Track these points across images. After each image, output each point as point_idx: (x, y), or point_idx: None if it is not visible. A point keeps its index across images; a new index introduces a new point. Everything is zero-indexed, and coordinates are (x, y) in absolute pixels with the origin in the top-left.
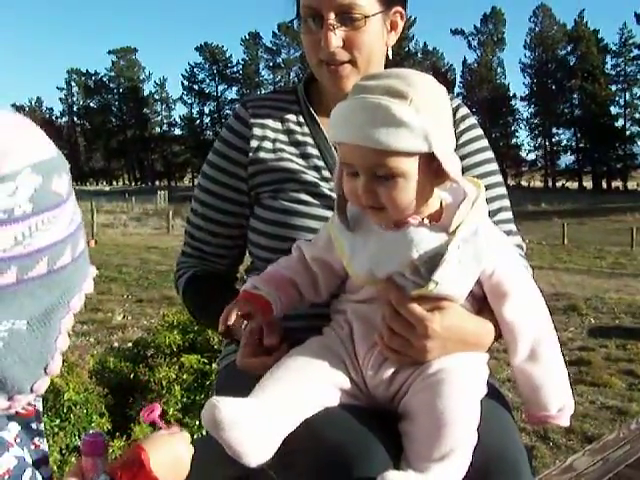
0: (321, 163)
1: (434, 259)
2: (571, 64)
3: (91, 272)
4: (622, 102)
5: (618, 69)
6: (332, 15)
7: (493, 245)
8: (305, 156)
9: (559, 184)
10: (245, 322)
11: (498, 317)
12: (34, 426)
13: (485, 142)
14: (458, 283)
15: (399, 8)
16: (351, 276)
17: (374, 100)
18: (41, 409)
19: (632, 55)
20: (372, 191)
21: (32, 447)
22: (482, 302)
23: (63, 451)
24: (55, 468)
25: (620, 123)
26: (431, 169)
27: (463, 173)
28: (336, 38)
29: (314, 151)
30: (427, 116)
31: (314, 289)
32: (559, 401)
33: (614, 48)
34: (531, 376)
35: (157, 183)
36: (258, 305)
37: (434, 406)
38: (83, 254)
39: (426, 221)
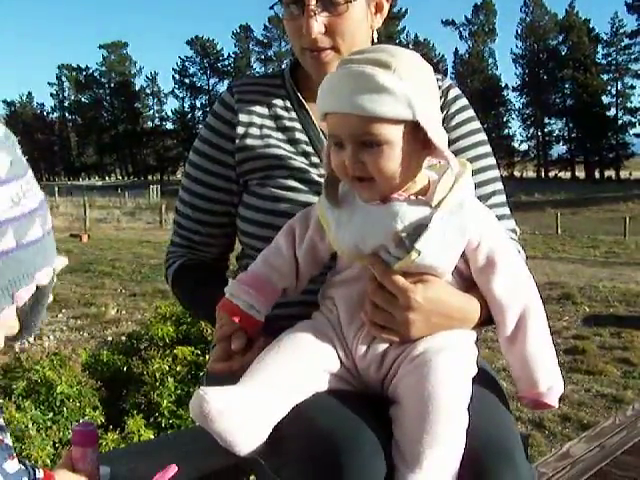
0: (310, 149)
1: (418, 230)
2: (562, 54)
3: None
4: (614, 91)
5: (609, 58)
6: (313, 0)
7: (479, 219)
8: (293, 142)
9: (552, 174)
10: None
11: (485, 292)
12: None
13: (477, 124)
14: (441, 255)
15: None
16: (337, 251)
17: (358, 68)
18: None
19: (623, 44)
20: (359, 160)
21: None
22: (470, 282)
23: (56, 444)
24: (48, 462)
25: (612, 112)
26: (417, 139)
27: (456, 155)
28: (317, 24)
29: (302, 137)
30: (411, 84)
31: (295, 280)
32: (548, 378)
33: (605, 38)
34: (519, 351)
35: (150, 177)
36: (249, 326)
37: (421, 390)
38: (50, 235)
39: (412, 197)
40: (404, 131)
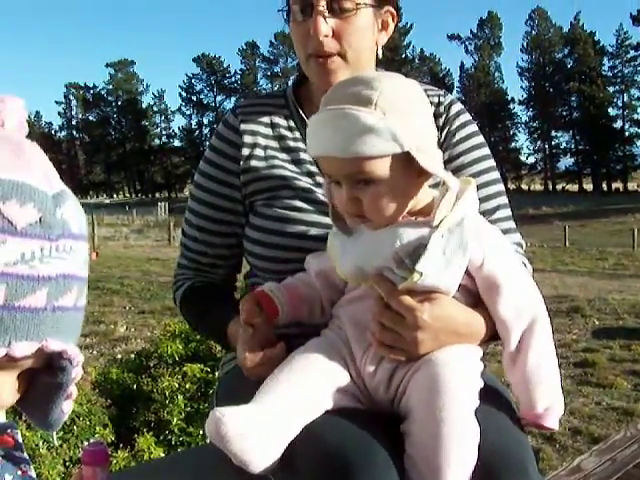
0: (314, 169)
1: (417, 250)
2: (568, 67)
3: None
4: (620, 103)
5: (615, 71)
6: (322, 2)
7: (481, 236)
8: (297, 162)
9: (559, 187)
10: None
11: (492, 311)
12: (17, 454)
13: (481, 138)
14: (444, 273)
15: (391, 8)
16: (340, 276)
17: (339, 110)
18: (20, 440)
19: (629, 56)
20: (355, 198)
21: (19, 473)
22: (476, 297)
23: (67, 463)
24: None
25: (619, 124)
26: (411, 168)
27: (459, 171)
28: (325, 26)
29: (307, 156)
30: (395, 116)
31: (321, 307)
32: (546, 400)
33: (611, 50)
34: (518, 372)
35: (157, 195)
36: (266, 304)
37: (431, 402)
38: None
39: (413, 218)
40: (396, 164)
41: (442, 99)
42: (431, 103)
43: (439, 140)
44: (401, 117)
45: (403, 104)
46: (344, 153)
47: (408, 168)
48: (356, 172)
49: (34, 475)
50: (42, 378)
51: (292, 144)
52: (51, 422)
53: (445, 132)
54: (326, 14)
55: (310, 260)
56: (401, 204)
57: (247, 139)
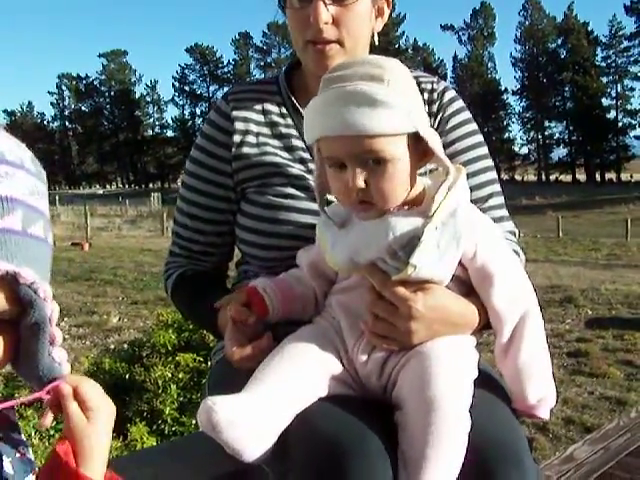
0: (307, 155)
1: (411, 242)
2: (562, 57)
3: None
4: (614, 94)
5: (609, 61)
6: None
7: (474, 227)
8: (290, 149)
9: (552, 177)
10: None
11: (485, 302)
12: (15, 436)
13: (474, 126)
14: (438, 266)
15: None
16: (333, 267)
17: (351, 87)
18: (16, 420)
19: (622, 47)
20: (362, 180)
21: (17, 455)
22: (468, 286)
23: None
24: None
25: (612, 115)
26: (418, 150)
27: (452, 158)
28: (326, 13)
29: (299, 143)
30: (407, 95)
31: (315, 302)
32: (538, 391)
33: (604, 40)
34: (511, 364)
35: (151, 185)
36: (256, 306)
37: (423, 393)
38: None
39: (406, 207)
40: (406, 144)
41: (435, 86)
42: (424, 90)
43: (432, 127)
44: (411, 97)
45: (409, 86)
46: (357, 130)
47: (415, 149)
48: (367, 150)
49: (32, 457)
50: (24, 332)
51: (284, 131)
52: (45, 374)
53: (439, 119)
54: (327, 1)
55: (301, 254)
56: (406, 188)
57: (239, 126)
